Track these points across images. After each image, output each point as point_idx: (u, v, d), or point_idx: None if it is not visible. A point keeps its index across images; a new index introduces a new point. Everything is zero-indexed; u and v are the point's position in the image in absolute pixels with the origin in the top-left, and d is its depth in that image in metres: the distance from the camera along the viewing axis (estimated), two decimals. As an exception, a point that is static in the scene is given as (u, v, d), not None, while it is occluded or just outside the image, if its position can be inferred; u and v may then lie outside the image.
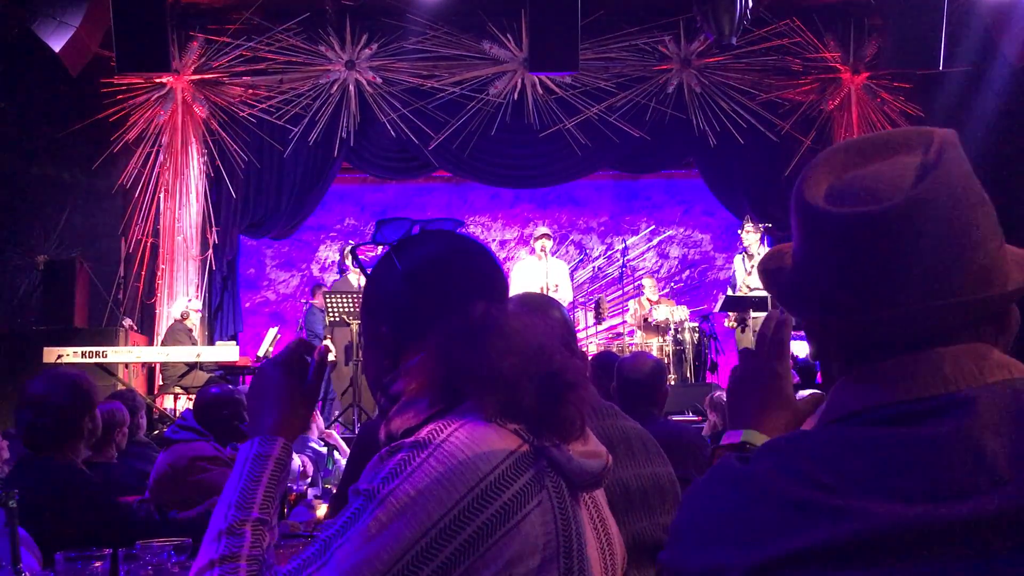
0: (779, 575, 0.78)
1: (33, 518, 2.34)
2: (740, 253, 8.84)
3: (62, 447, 2.76)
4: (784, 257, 0.98)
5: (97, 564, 1.68)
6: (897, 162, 0.88)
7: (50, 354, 7.38)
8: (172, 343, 8.18)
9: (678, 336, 8.53)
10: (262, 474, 1.14)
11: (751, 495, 0.84)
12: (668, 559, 0.90)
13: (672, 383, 7.88)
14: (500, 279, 1.24)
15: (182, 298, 8.78)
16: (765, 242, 8.76)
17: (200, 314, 8.83)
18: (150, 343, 8.65)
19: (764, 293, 8.33)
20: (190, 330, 8.42)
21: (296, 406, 1.21)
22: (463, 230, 1.30)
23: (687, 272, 10.66)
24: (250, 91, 9.25)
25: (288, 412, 1.20)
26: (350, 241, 9.95)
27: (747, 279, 8.59)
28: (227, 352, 8.03)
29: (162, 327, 8.78)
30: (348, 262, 8.53)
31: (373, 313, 1.23)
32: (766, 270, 1.00)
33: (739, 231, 8.81)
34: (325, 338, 8.33)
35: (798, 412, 1.19)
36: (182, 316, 8.47)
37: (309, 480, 4.18)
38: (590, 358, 4.79)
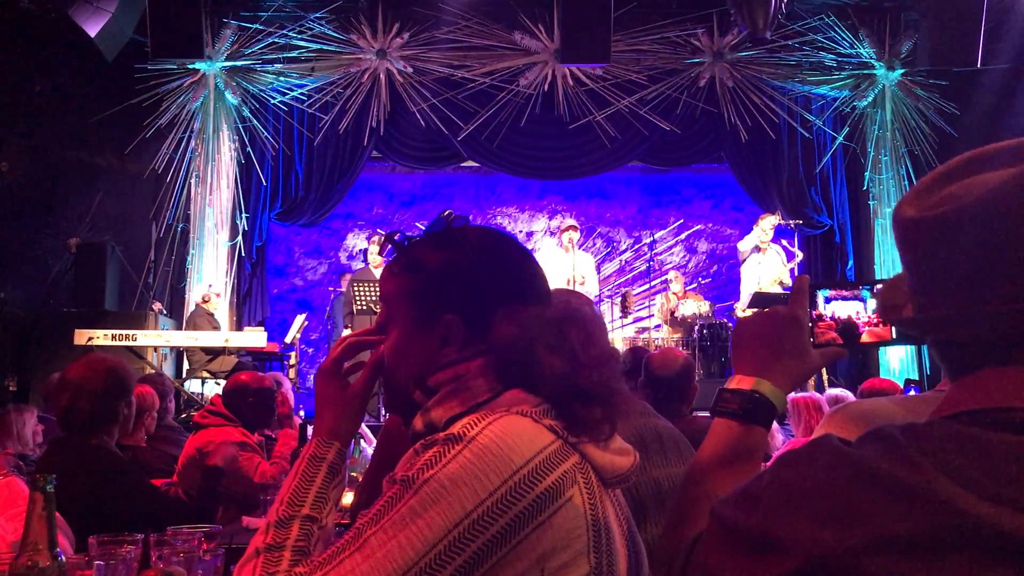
0: (874, 558, 0.76)
1: (65, 498, 2.38)
2: (755, 252, 8.74)
3: (96, 430, 2.82)
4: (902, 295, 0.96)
5: (129, 548, 1.70)
6: (985, 176, 0.86)
7: (81, 336, 7.46)
8: (193, 327, 8.25)
9: (704, 331, 8.48)
10: (316, 475, 1.18)
11: (855, 475, 0.81)
12: (737, 518, 0.87)
13: (699, 379, 7.83)
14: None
15: (203, 282, 8.86)
16: (774, 240, 8.65)
17: (221, 298, 8.88)
18: (179, 327, 8.72)
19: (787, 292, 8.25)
20: (211, 314, 8.49)
21: (346, 410, 1.25)
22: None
23: (715, 267, 10.59)
24: (282, 79, 9.30)
25: (339, 416, 1.25)
26: (379, 231, 9.95)
27: (760, 273, 8.48)
28: (255, 338, 8.08)
29: (190, 311, 8.85)
30: (374, 252, 8.49)
31: (430, 301, 1.19)
32: (888, 307, 0.97)
33: (756, 222, 8.73)
34: (345, 327, 8.36)
35: (812, 365, 1.14)
36: (203, 299, 8.55)
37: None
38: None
